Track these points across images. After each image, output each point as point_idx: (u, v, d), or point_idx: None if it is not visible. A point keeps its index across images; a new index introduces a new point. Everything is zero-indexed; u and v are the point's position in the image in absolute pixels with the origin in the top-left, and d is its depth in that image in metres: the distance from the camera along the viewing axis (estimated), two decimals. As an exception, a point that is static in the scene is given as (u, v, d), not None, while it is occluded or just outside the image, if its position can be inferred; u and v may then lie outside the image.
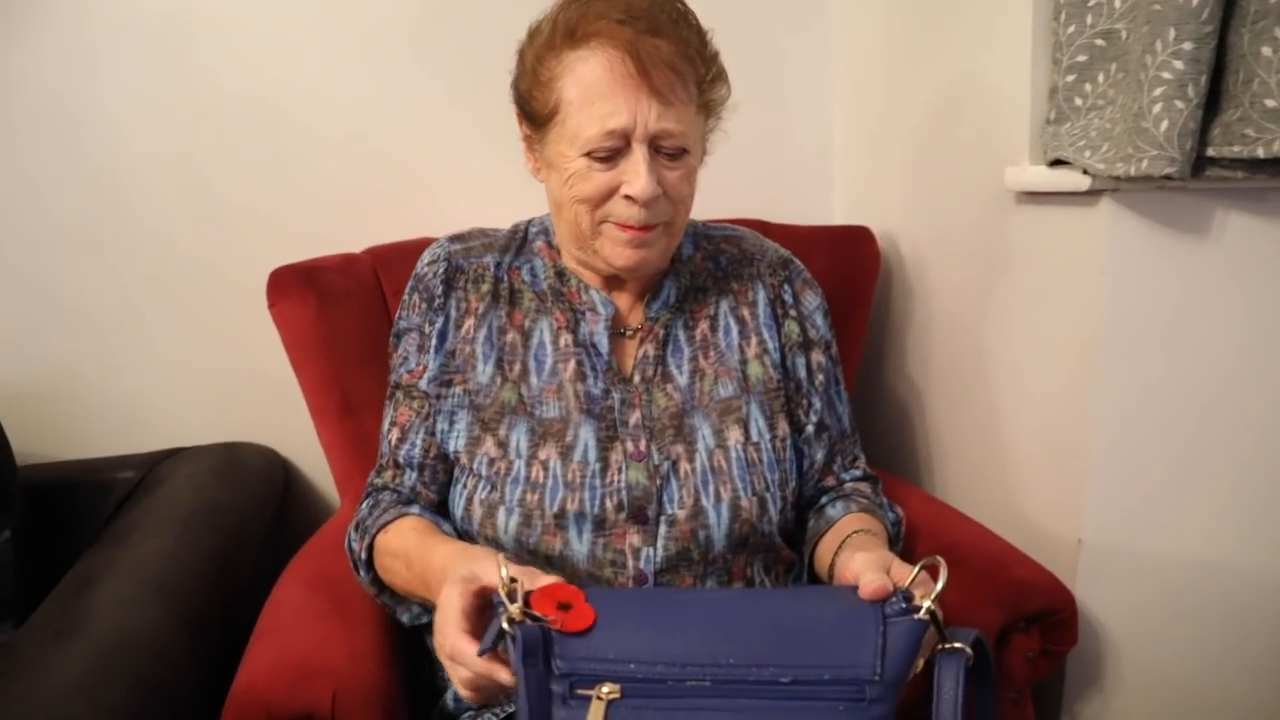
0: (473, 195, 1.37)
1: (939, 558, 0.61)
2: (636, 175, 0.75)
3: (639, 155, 0.75)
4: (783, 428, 0.88)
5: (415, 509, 0.84)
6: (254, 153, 1.31)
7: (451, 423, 0.85)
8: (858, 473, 0.95)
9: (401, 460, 0.87)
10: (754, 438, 0.86)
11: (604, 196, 0.78)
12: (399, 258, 1.20)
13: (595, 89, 0.74)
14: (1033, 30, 0.97)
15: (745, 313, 0.91)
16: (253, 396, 1.38)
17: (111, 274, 1.31)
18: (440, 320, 0.86)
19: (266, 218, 1.33)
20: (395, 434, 0.87)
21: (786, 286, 0.93)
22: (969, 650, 0.60)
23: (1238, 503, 0.99)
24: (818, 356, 0.93)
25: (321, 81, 1.31)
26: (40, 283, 1.29)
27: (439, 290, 0.87)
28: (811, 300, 0.94)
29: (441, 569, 0.69)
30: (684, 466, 0.83)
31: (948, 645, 0.60)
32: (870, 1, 1.34)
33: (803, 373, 0.91)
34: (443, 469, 0.87)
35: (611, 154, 0.76)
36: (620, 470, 0.81)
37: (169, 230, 1.31)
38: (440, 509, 0.87)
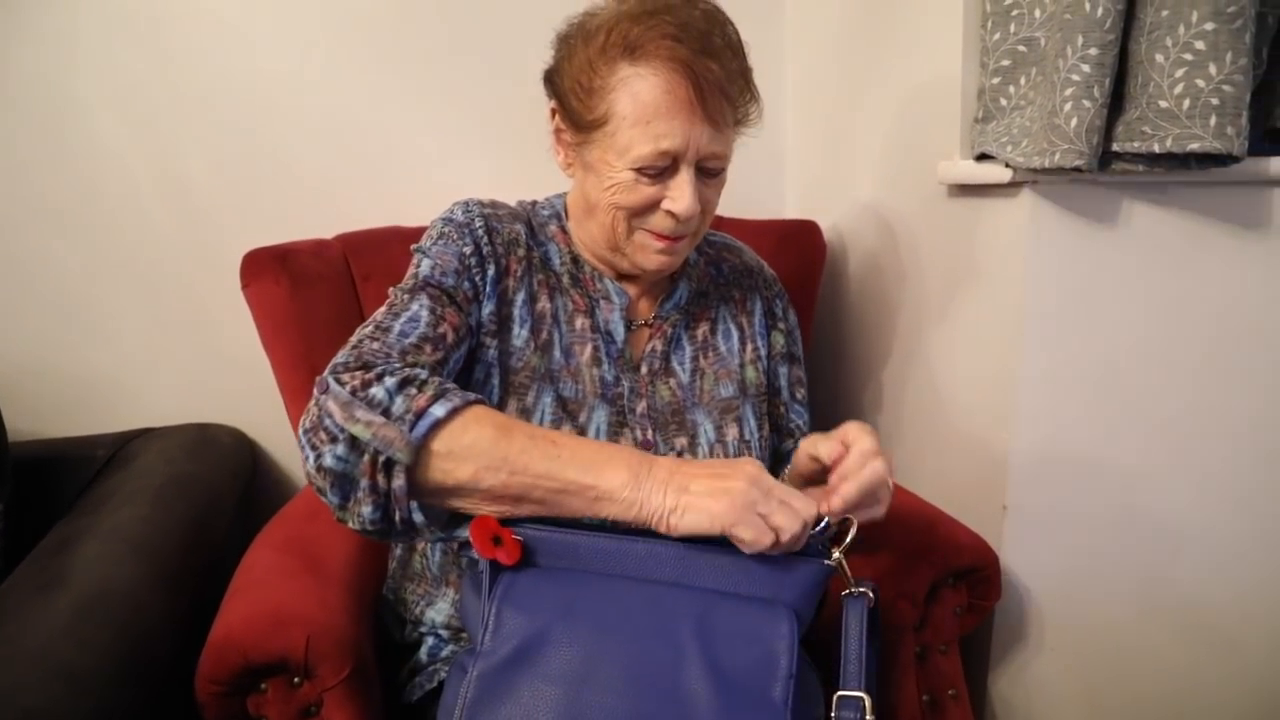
0: (442, 187, 1.40)
1: (852, 517, 0.71)
2: (682, 195, 0.78)
3: (685, 176, 0.77)
4: (765, 428, 0.94)
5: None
6: (228, 140, 1.33)
7: (487, 376, 0.83)
8: None
9: (451, 364, 0.78)
10: (746, 436, 0.91)
11: (646, 208, 0.80)
12: (369, 245, 1.25)
13: (652, 109, 0.74)
14: (963, 37, 1.06)
15: (744, 320, 0.96)
16: (222, 381, 1.40)
17: (86, 257, 1.32)
18: (492, 269, 0.84)
19: (239, 204, 1.35)
20: (449, 333, 0.78)
21: (778, 300, 1.00)
22: (871, 594, 0.70)
23: (1148, 469, 1.08)
24: (797, 371, 1.00)
25: (296, 72, 1.34)
26: (13, 264, 1.30)
27: (485, 240, 0.84)
28: (793, 317, 1.01)
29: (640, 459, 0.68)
30: (688, 458, 0.85)
31: (853, 590, 0.70)
32: (821, 9, 1.42)
33: (783, 381, 0.98)
34: None
35: (659, 171, 0.77)
36: None
37: (143, 214, 1.33)
38: None
